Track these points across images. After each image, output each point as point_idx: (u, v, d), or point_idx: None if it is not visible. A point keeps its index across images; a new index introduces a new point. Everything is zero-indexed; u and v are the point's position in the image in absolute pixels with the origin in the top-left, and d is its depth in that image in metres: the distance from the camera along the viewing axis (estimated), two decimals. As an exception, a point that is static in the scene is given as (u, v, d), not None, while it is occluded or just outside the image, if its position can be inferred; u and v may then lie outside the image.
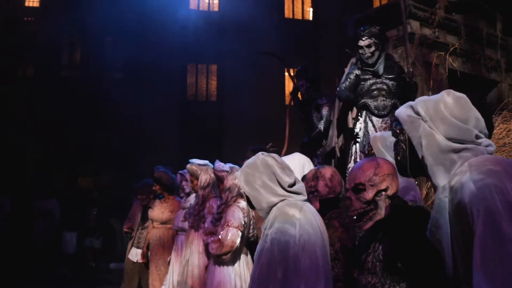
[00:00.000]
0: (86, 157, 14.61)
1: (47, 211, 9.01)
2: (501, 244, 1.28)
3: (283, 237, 2.12)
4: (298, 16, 18.07)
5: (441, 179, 1.54)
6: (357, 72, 4.85)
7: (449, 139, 1.56)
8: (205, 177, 4.24)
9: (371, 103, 4.78)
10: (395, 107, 4.63)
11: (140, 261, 5.50)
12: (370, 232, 2.21)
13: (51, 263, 9.00)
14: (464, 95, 1.64)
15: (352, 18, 6.01)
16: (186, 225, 4.71)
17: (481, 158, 1.49)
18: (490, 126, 1.66)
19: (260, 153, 2.44)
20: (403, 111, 1.69)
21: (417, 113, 1.63)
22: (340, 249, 2.61)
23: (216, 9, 17.20)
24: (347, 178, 2.28)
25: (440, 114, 1.58)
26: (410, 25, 5.45)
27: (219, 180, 3.82)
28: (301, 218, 2.18)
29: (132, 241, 5.65)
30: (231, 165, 3.89)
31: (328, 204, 2.78)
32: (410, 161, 1.68)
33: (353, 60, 5.05)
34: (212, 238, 3.75)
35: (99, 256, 10.16)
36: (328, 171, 2.84)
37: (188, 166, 4.37)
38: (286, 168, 2.37)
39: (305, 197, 2.39)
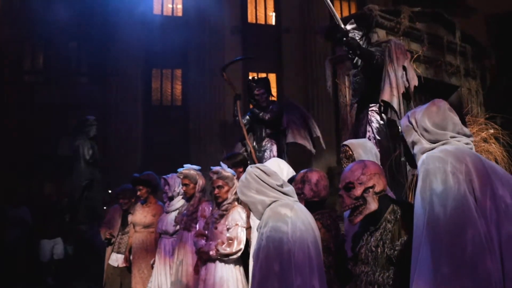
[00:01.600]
0: (51, 163, 14.39)
1: (19, 218, 8.87)
2: (430, 195, 1.82)
3: (277, 235, 2.37)
4: (261, 21, 18.34)
5: None
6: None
7: (430, 141, 2.03)
8: (201, 181, 4.47)
9: None
10: (361, 102, 4.83)
11: (121, 265, 5.57)
12: (362, 226, 2.47)
13: (33, 272, 8.92)
14: (444, 105, 2.09)
15: (322, 27, 6.31)
16: (170, 228, 4.85)
17: (447, 145, 1.97)
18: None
19: (248, 167, 2.72)
20: (403, 121, 2.15)
21: (410, 123, 2.07)
22: (323, 249, 2.83)
23: (180, 14, 17.25)
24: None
25: (424, 125, 2.04)
26: (377, 33, 5.79)
27: (224, 180, 3.91)
28: (292, 216, 2.45)
29: (112, 246, 5.71)
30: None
31: (312, 206, 2.96)
32: (408, 157, 2.20)
33: None
34: (203, 241, 3.93)
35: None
36: (315, 176, 3.04)
37: (185, 170, 4.50)
38: (272, 174, 2.65)
39: (296, 199, 2.65)
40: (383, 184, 2.41)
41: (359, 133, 4.65)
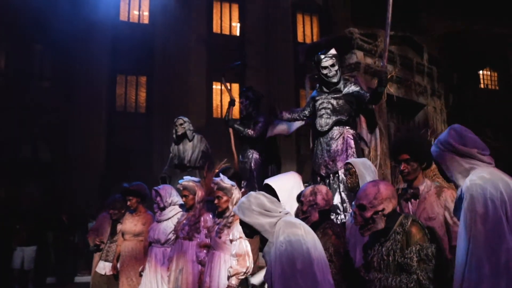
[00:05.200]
0: (12, 168, 14.06)
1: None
2: (474, 215, 2.26)
3: (294, 238, 2.65)
4: (226, 31, 18.65)
5: (461, 181, 2.45)
6: (314, 94, 5.32)
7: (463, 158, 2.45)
8: (201, 192, 4.65)
9: (317, 121, 5.18)
10: (338, 123, 5.10)
11: (108, 273, 5.67)
12: (372, 237, 2.80)
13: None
14: (458, 127, 2.54)
15: (303, 47, 6.68)
16: (162, 237, 5.01)
17: (481, 169, 2.41)
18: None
19: (251, 192, 2.93)
20: (434, 150, 2.56)
21: (445, 148, 2.49)
22: (334, 253, 3.18)
23: (146, 21, 17.31)
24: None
25: (451, 147, 2.47)
26: (356, 55, 6.20)
27: (223, 190, 4.12)
28: (301, 223, 2.80)
29: (100, 254, 5.81)
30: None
31: (324, 214, 3.35)
32: (443, 174, 2.58)
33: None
34: (204, 252, 4.15)
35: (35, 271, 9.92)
36: (323, 187, 3.47)
37: (185, 182, 4.70)
38: (274, 202, 2.88)
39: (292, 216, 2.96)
40: (392, 206, 2.75)
41: (338, 150, 5.04)
